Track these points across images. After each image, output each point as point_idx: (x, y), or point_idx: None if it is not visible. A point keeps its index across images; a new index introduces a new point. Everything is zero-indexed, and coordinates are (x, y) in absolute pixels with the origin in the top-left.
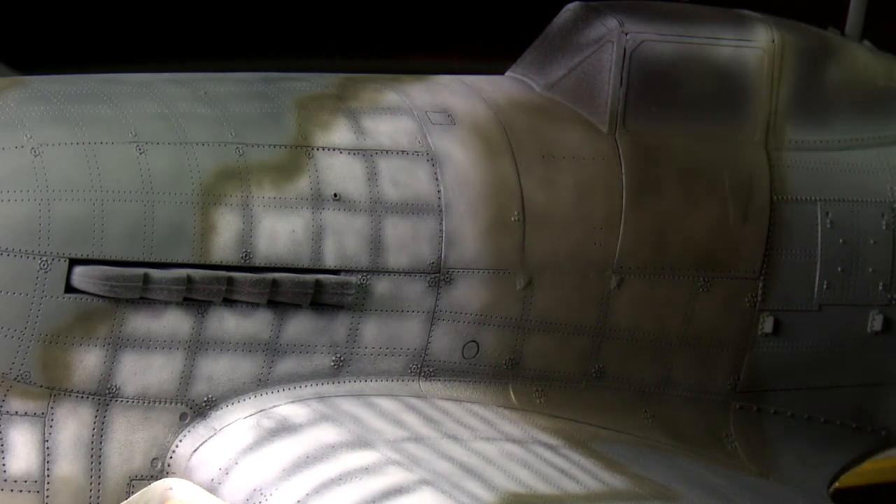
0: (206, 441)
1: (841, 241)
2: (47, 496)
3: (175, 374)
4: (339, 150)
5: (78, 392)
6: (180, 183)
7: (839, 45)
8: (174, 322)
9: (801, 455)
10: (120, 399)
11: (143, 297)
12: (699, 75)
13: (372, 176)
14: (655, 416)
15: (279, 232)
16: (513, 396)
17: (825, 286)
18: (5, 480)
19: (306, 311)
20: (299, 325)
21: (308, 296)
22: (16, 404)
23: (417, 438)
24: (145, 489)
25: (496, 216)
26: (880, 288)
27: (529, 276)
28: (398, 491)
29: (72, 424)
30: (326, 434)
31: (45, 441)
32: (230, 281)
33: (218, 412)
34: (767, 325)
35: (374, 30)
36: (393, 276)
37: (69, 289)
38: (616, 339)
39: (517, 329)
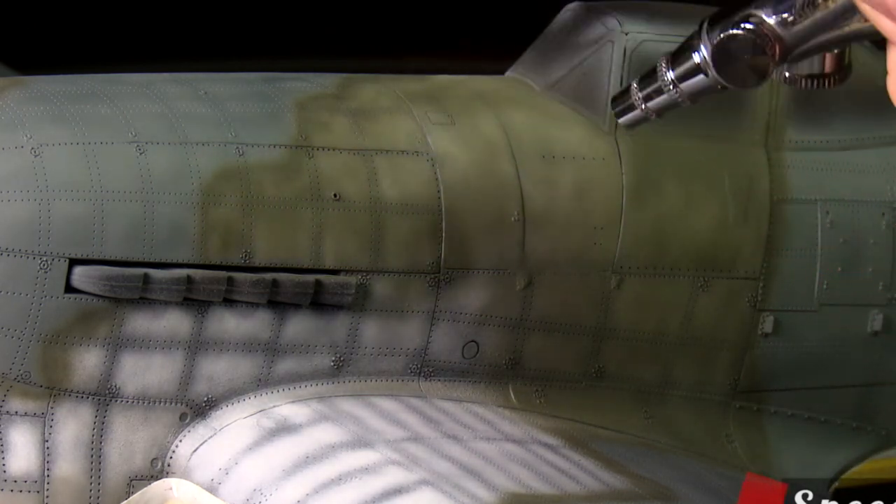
0: (206, 441)
1: (841, 241)
2: (47, 496)
3: (175, 374)
4: (339, 150)
5: (78, 392)
6: (180, 183)
7: None
8: (174, 322)
9: (801, 455)
10: (120, 399)
11: (143, 297)
12: None
13: (372, 176)
14: (655, 416)
15: (279, 232)
16: (513, 396)
17: (825, 286)
18: (5, 480)
19: (306, 311)
20: (299, 325)
21: (308, 296)
22: (16, 404)
23: (417, 438)
24: (145, 489)
25: (496, 216)
26: (880, 288)
27: (529, 276)
28: (398, 491)
29: (72, 424)
30: (326, 434)
31: (45, 441)
32: (230, 281)
33: (218, 412)
34: (767, 325)
35: (374, 30)
36: (393, 276)
37: (69, 289)
38: (616, 339)
39: (517, 329)
